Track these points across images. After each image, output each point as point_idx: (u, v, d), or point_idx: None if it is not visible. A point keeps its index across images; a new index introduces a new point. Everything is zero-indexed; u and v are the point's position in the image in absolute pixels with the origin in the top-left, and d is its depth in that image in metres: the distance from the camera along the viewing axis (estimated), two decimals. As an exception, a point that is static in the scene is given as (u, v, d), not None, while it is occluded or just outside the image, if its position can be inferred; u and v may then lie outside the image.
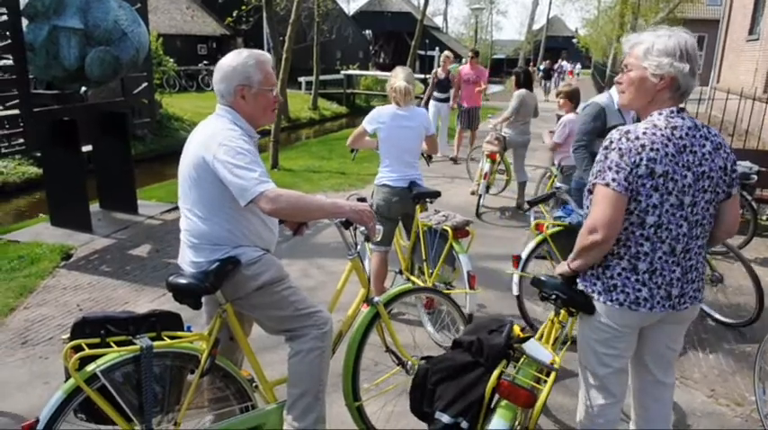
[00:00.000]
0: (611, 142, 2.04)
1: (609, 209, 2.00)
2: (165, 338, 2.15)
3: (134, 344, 2.05)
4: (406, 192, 3.92)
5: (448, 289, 3.85)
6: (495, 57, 49.10)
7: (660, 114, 2.05)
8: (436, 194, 3.96)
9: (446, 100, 10.27)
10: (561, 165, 5.67)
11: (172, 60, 16.92)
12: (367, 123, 3.98)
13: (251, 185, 2.08)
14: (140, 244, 5.68)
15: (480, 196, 7.01)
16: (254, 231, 2.31)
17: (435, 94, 10.24)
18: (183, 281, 2.16)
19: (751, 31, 16.04)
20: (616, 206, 2.00)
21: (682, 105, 2.09)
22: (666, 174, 1.98)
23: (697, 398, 3.34)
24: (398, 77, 3.94)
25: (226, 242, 2.25)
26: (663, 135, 1.99)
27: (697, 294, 2.16)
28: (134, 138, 12.39)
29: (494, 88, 31.00)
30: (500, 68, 52.36)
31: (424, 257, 3.94)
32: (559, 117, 6.91)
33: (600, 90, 23.47)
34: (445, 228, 3.76)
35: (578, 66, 38.38)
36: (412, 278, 4.09)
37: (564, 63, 32.55)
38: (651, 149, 1.97)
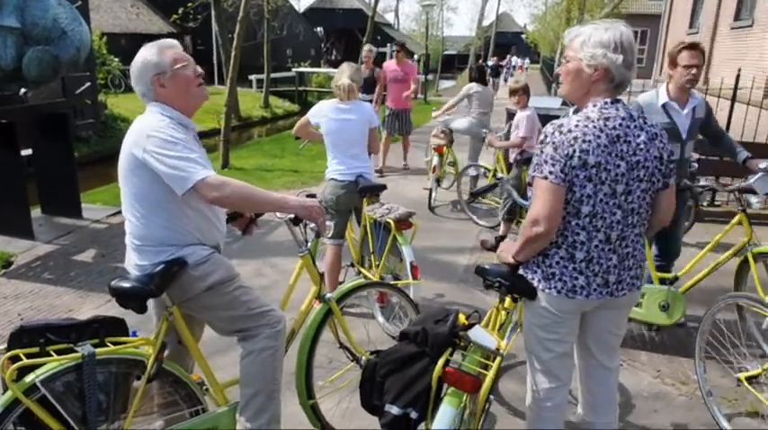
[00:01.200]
0: (546, 136, 2.09)
1: (549, 201, 2.05)
2: (109, 345, 2.09)
3: (75, 351, 1.99)
4: (353, 185, 3.97)
5: (395, 280, 3.93)
6: (446, 53, 49.48)
7: (594, 106, 2.10)
8: (381, 188, 4.05)
9: (370, 101, 8.96)
10: (516, 159, 5.73)
11: (116, 60, 16.48)
12: (311, 116, 4.09)
13: (188, 173, 2.04)
14: (85, 249, 5.51)
15: (431, 190, 7.07)
16: (196, 228, 2.25)
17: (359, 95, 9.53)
18: (126, 284, 2.10)
19: (691, 25, 16.65)
20: (555, 197, 2.04)
21: (620, 97, 2.14)
22: (599, 164, 2.03)
23: (644, 380, 3.45)
24: (344, 75, 4.00)
25: (170, 242, 2.20)
26: (595, 126, 2.04)
27: (635, 281, 2.23)
28: (78, 139, 11.99)
29: (445, 84, 31.30)
30: (451, 64, 52.89)
31: (371, 250, 4.02)
32: (509, 113, 7.04)
33: (548, 84, 23.94)
34: (388, 220, 3.82)
35: (527, 61, 39.13)
36: (363, 271, 4.14)
37: (514, 59, 33.11)
38: (583, 141, 2.02)
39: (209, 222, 2.31)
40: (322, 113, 4.03)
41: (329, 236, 4.06)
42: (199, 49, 27.32)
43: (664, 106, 3.64)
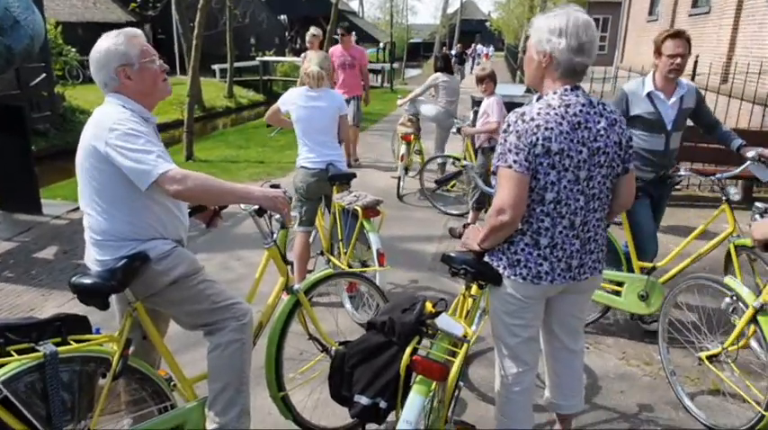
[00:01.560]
0: (509, 125, 2.11)
1: (513, 189, 2.07)
2: (72, 343, 2.04)
3: (37, 351, 1.93)
4: (324, 173, 3.99)
5: (363, 267, 3.97)
6: (411, 41, 49.48)
7: (555, 93, 2.13)
8: (351, 176, 4.07)
9: None
10: (482, 146, 5.77)
11: (74, 50, 15.98)
12: (281, 103, 4.11)
13: (150, 167, 1.99)
14: (46, 246, 5.36)
15: (400, 179, 7.08)
16: (159, 221, 2.21)
17: None
18: (87, 280, 2.05)
19: (651, 12, 16.95)
20: (520, 186, 2.07)
21: (579, 83, 2.17)
22: (562, 151, 2.05)
23: (609, 362, 3.53)
24: (312, 62, 4.02)
25: (131, 236, 2.15)
26: (557, 114, 2.07)
27: (597, 265, 2.28)
28: (35, 133, 11.63)
29: (411, 72, 31.27)
30: (417, 52, 52.84)
31: (339, 237, 4.05)
32: (475, 100, 7.06)
33: (512, 72, 24.14)
34: (356, 207, 3.84)
35: (492, 49, 39.36)
36: (332, 259, 4.16)
37: (479, 46, 33.22)
38: (546, 129, 2.04)
39: (173, 216, 2.27)
40: (292, 101, 4.04)
41: (298, 223, 4.08)
42: (159, 38, 26.72)
43: (648, 95, 3.59)
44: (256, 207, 2.42)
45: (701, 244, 3.64)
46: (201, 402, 2.36)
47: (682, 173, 3.58)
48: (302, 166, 4.06)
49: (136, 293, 2.18)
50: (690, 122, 3.81)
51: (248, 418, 2.39)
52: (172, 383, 2.37)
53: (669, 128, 3.61)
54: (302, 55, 7.56)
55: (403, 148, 7.18)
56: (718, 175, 3.56)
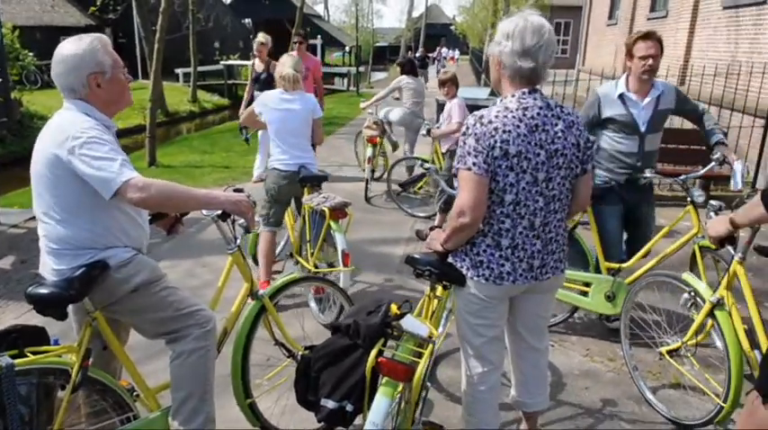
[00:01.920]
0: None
1: (473, 191, 2.09)
2: (29, 355, 1.98)
3: (-8, 364, 1.88)
4: (295, 175, 4.04)
5: (330, 267, 4.00)
6: (377, 45, 49.57)
7: (513, 96, 2.16)
8: (322, 178, 4.12)
9: None
10: (450, 149, 5.81)
11: (31, 54, 15.58)
12: (256, 105, 4.21)
13: (113, 176, 1.95)
14: (2, 256, 5.21)
15: (367, 181, 7.09)
16: (121, 229, 2.17)
17: (256, 94, 7.20)
18: (43, 290, 2.00)
19: (610, 17, 17.33)
20: (479, 188, 2.09)
21: (537, 86, 2.19)
22: (520, 153, 2.09)
23: (574, 359, 3.59)
24: (286, 65, 4.09)
25: (90, 245, 2.10)
26: (514, 116, 2.10)
27: (558, 265, 2.31)
28: (-8, 140, 11.32)
29: (378, 75, 31.35)
30: (383, 56, 52.97)
31: (308, 238, 4.08)
32: (440, 104, 7.12)
33: (477, 75, 24.35)
34: (323, 208, 3.87)
35: (457, 52, 39.70)
36: (301, 260, 4.18)
37: (445, 50, 33.47)
38: (504, 131, 2.07)
39: (135, 224, 2.24)
40: (265, 103, 4.11)
41: (265, 223, 4.13)
42: (120, 42, 26.20)
43: (621, 96, 3.55)
44: (219, 212, 2.39)
45: (667, 244, 3.64)
46: (165, 412, 2.31)
47: (647, 174, 3.51)
48: (274, 168, 4.10)
49: (95, 302, 2.13)
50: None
51: (213, 426, 2.36)
52: (134, 393, 2.32)
53: (642, 129, 3.55)
54: (250, 62, 7.13)
55: (369, 151, 7.20)
56: (682, 177, 3.54)
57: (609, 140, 3.64)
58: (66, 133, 2.01)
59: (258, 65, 7.39)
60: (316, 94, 7.61)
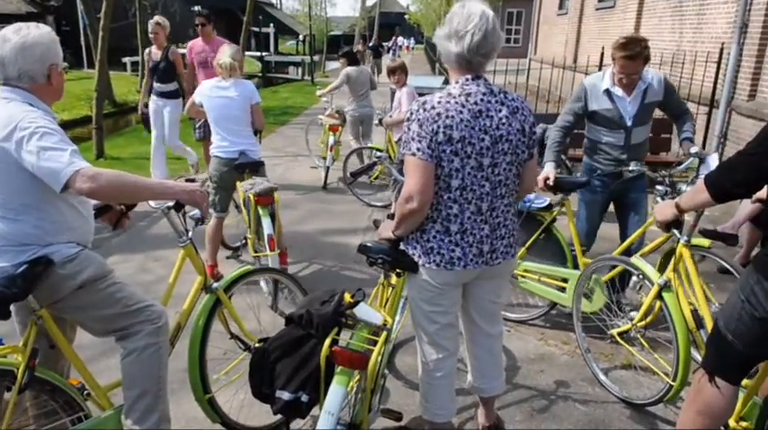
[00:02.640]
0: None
1: (419, 177, 2.11)
2: (-30, 356, 1.90)
3: (-70, 366, 1.79)
4: (234, 161, 4.16)
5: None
6: (331, 33, 49.19)
7: (456, 83, 2.18)
8: (257, 164, 4.20)
9: (173, 94, 6.54)
10: (401, 138, 5.83)
11: (-34, 42, 14.84)
12: (195, 95, 4.30)
13: (63, 166, 1.88)
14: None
15: (327, 169, 7.09)
16: (67, 225, 2.10)
17: (155, 85, 6.56)
18: (-16, 289, 1.91)
19: (561, 6, 17.63)
20: (424, 173, 2.11)
21: (481, 74, 2.21)
22: (464, 139, 2.10)
23: (529, 343, 3.66)
24: (225, 54, 4.15)
25: (33, 241, 2.03)
26: (457, 102, 2.12)
27: (509, 249, 2.34)
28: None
29: (332, 65, 31.09)
30: (337, 45, 52.56)
31: (247, 225, 4.23)
32: (393, 91, 7.12)
33: (432, 64, 24.45)
34: (249, 195, 3.96)
35: (413, 41, 39.76)
36: (249, 247, 4.29)
37: (400, 38, 33.38)
38: (447, 117, 2.09)
39: (81, 218, 2.16)
40: (204, 92, 4.20)
41: (213, 209, 4.25)
42: (64, 30, 25.21)
43: (607, 91, 3.48)
44: (170, 203, 2.34)
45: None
46: (118, 411, 2.26)
47: (632, 167, 3.40)
48: (215, 155, 4.21)
49: (40, 300, 2.06)
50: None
51: (168, 424, 2.32)
52: (85, 392, 2.25)
53: (629, 124, 3.49)
54: (146, 50, 6.58)
55: (331, 139, 7.20)
56: (664, 172, 3.41)
57: (594, 132, 3.63)
58: (14, 124, 1.93)
59: (155, 52, 6.51)
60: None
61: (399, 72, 5.82)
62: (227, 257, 4.58)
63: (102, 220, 2.43)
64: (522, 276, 3.83)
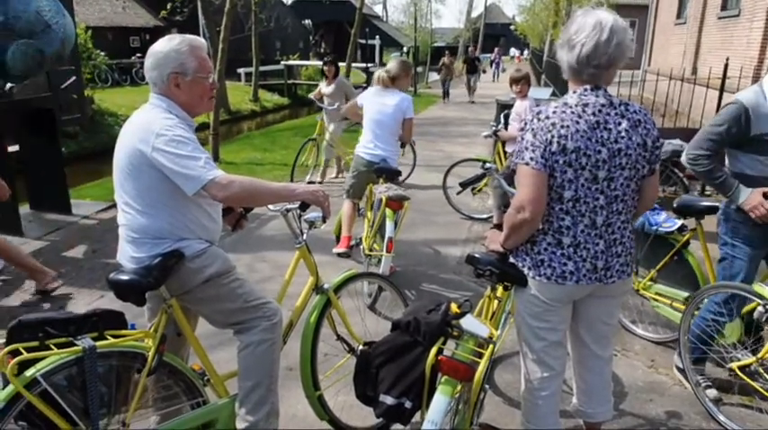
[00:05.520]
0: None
1: (531, 187, 2.07)
2: (109, 338, 2.08)
3: (75, 345, 1.97)
4: (372, 164, 4.53)
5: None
6: (435, 45, 49.41)
7: (574, 92, 2.12)
8: (394, 173, 4.52)
9: None
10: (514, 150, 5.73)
11: (103, 54, 16.31)
12: (359, 98, 4.89)
13: (199, 173, 2.03)
14: (75, 245, 5.47)
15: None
16: (198, 223, 2.25)
17: None
18: (125, 277, 2.09)
19: (678, 15, 16.73)
20: (537, 183, 2.06)
21: (601, 84, 2.13)
22: (578, 149, 2.04)
23: (638, 370, 3.48)
24: (387, 66, 4.83)
25: (168, 235, 2.19)
26: (573, 112, 2.06)
27: (624, 268, 2.23)
28: (66, 136, 11.88)
29: (435, 76, 31.18)
30: (441, 56, 52.80)
31: (369, 225, 4.52)
32: (500, 103, 7.02)
33: (537, 76, 23.88)
34: (382, 197, 4.21)
35: (526, 52, 39.14)
36: (364, 243, 4.48)
37: (512, 50, 32.74)
38: (561, 127, 2.04)
39: (210, 218, 2.31)
40: (366, 96, 4.75)
41: (347, 195, 4.73)
42: (186, 43, 27.01)
43: None
44: (289, 206, 2.46)
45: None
46: (232, 399, 2.39)
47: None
48: (359, 154, 4.69)
49: (171, 290, 2.22)
50: None
51: (277, 419, 2.42)
52: (205, 378, 2.40)
53: None
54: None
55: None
56: None
57: (754, 164, 2.89)
58: (151, 129, 2.09)
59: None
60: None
61: (523, 83, 5.71)
62: (339, 254, 4.69)
63: (224, 221, 2.59)
64: (655, 299, 3.68)
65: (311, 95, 8.15)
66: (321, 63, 8.23)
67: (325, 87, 7.85)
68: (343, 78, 7.96)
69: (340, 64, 8.15)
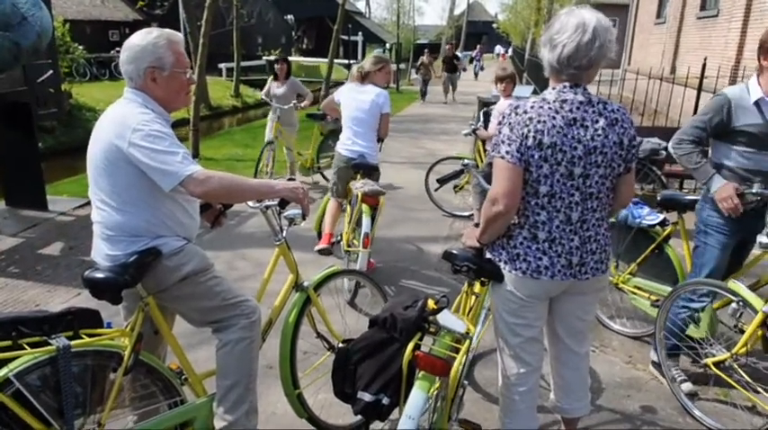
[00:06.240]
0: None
1: (506, 180, 2.09)
2: (84, 337, 2.05)
3: (50, 344, 1.94)
4: (351, 161, 4.53)
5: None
6: (418, 42, 49.43)
7: (553, 89, 2.14)
8: (372, 168, 4.52)
9: None
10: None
11: (81, 47, 16.05)
12: (336, 94, 4.82)
13: (176, 169, 2.01)
14: (51, 242, 5.39)
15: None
16: (175, 219, 2.22)
17: None
18: (100, 275, 2.07)
19: (658, 15, 16.93)
20: (513, 177, 2.08)
21: (580, 82, 2.14)
22: (554, 145, 2.06)
23: (616, 365, 3.53)
24: (363, 62, 4.77)
25: (144, 233, 2.16)
26: (551, 108, 2.08)
27: (599, 265, 2.25)
28: (43, 130, 11.68)
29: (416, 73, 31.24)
30: (423, 53, 52.85)
31: (348, 221, 4.55)
32: (482, 101, 7.04)
33: (519, 73, 24.03)
34: (357, 193, 4.24)
35: (510, 49, 39.24)
36: (344, 239, 4.52)
37: (498, 47, 32.69)
38: (538, 122, 2.06)
39: (187, 214, 2.29)
40: (343, 91, 4.72)
41: (331, 193, 4.70)
42: (166, 37, 26.69)
43: (757, 103, 2.91)
44: (272, 203, 2.45)
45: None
46: (210, 398, 2.37)
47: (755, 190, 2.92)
48: (338, 150, 4.66)
49: (147, 288, 2.19)
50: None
51: (256, 416, 2.41)
52: (182, 377, 2.37)
53: None
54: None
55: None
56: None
57: (736, 156, 3.01)
58: (127, 125, 2.05)
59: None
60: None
61: (508, 81, 5.72)
62: (320, 251, 4.66)
63: (202, 218, 2.57)
64: (634, 293, 3.72)
65: (262, 95, 7.82)
66: (302, 59, 8.17)
67: (276, 88, 7.54)
68: (294, 79, 7.68)
69: (322, 60, 8.12)
